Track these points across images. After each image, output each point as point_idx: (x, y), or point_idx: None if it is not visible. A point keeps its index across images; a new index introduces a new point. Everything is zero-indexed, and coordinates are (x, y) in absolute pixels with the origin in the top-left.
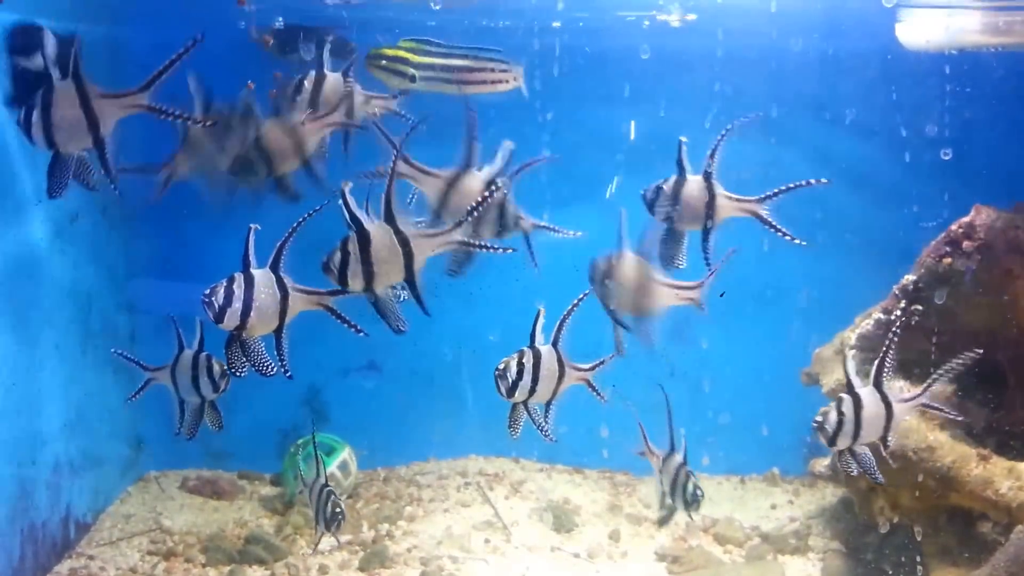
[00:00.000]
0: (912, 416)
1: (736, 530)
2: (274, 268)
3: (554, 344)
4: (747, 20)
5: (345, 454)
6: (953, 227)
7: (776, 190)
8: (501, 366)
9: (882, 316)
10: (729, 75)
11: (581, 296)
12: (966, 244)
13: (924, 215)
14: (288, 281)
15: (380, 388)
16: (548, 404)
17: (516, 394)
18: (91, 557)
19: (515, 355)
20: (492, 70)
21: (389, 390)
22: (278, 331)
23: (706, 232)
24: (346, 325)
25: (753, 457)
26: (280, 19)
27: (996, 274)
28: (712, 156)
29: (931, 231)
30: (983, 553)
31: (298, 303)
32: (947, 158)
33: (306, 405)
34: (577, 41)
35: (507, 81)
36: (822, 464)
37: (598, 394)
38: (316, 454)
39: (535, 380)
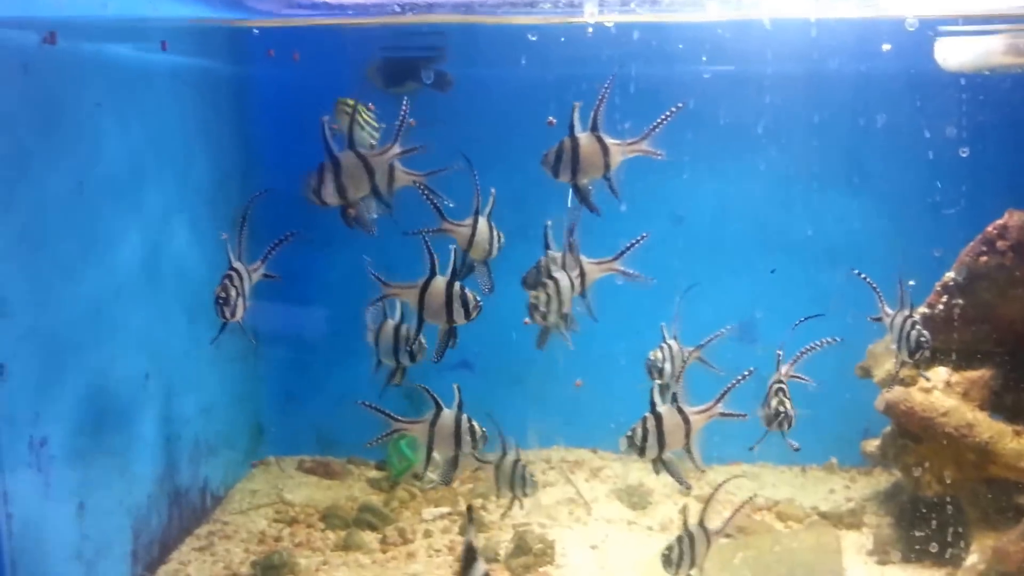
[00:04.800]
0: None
1: (796, 509)
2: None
3: (673, 401)
4: (791, 43)
5: None
6: (989, 229)
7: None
8: (629, 433)
9: (927, 310)
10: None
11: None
12: (1000, 244)
13: (957, 222)
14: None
15: (472, 385)
16: (688, 449)
17: (646, 454)
18: (225, 523)
19: (639, 421)
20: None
21: (480, 387)
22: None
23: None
24: None
25: (813, 448)
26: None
27: None
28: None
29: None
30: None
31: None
32: (964, 155)
33: (405, 398)
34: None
35: None
36: (873, 444)
37: (736, 416)
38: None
39: (661, 437)
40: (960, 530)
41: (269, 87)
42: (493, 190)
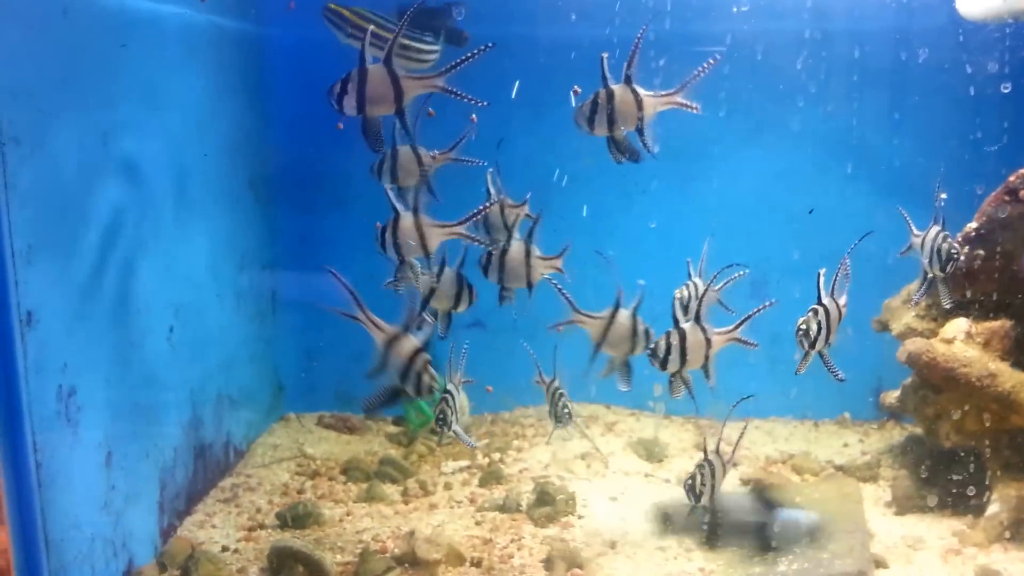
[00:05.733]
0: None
1: (812, 462)
2: None
3: (696, 320)
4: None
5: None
6: (1011, 178)
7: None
8: (652, 346)
9: None
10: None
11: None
12: (1023, 193)
13: (981, 180)
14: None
15: (484, 342)
16: (705, 368)
17: (668, 366)
18: (248, 476)
19: (663, 335)
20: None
21: (492, 344)
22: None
23: None
24: None
25: (826, 403)
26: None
27: None
28: None
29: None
30: None
31: None
32: (1007, 90)
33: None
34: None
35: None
36: (892, 396)
37: (750, 344)
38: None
39: (683, 353)
40: (981, 480)
41: (285, 46)
42: (490, 171)
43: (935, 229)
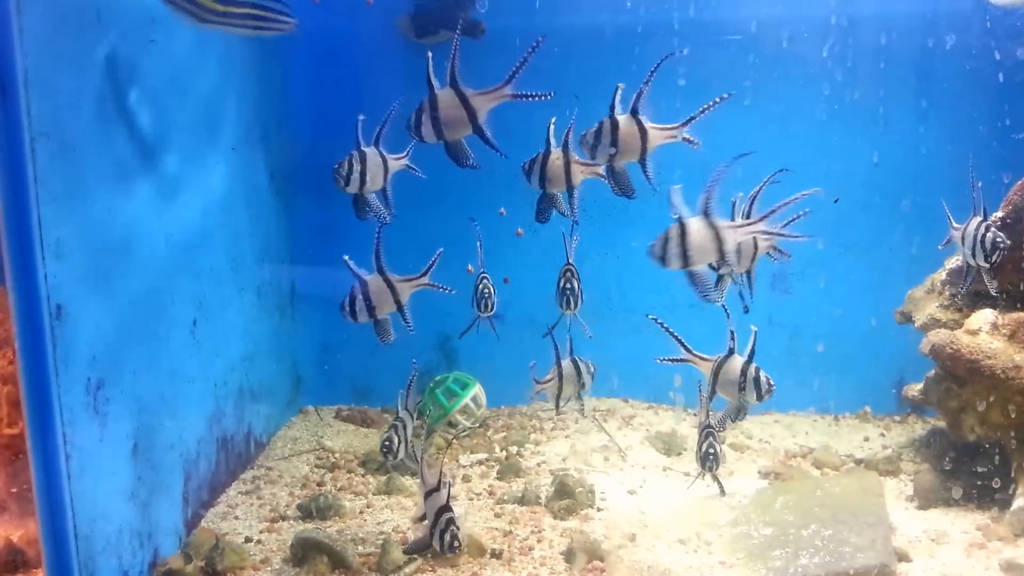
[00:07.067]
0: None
1: (832, 456)
2: None
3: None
4: None
5: (477, 389)
6: None
7: None
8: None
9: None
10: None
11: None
12: None
13: (1009, 168)
14: None
15: (502, 336)
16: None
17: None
18: (269, 468)
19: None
20: (267, 19)
21: (510, 338)
22: None
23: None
24: None
25: (846, 397)
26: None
27: None
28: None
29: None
30: None
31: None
32: None
33: (438, 350)
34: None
35: (279, 29)
36: (915, 389)
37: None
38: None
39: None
40: (1006, 473)
41: (306, 39)
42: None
43: (976, 220)
